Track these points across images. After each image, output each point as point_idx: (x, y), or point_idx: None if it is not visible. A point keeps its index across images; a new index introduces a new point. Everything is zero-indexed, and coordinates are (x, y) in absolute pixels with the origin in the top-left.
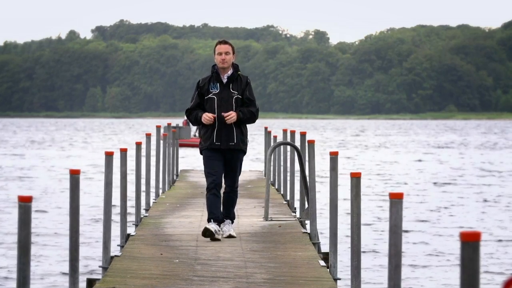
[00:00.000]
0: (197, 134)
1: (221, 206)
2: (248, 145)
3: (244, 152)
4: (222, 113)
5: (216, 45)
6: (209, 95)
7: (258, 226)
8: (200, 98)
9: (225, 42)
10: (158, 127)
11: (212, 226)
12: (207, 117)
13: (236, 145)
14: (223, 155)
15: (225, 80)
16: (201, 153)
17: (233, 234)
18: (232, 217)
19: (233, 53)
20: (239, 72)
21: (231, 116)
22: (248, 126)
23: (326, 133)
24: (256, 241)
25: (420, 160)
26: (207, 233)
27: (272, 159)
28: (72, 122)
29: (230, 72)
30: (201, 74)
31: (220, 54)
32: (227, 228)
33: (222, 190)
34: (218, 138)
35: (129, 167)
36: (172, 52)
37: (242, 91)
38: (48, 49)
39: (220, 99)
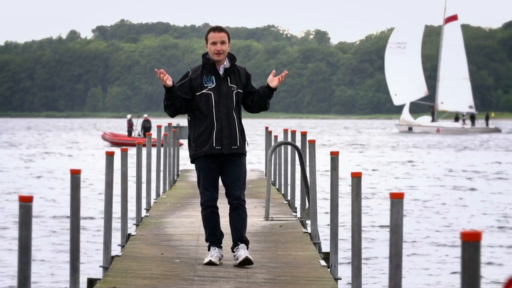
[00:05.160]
0: (141, 134)
1: (230, 227)
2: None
3: (245, 155)
4: (280, 76)
5: (209, 32)
6: (204, 91)
7: (259, 226)
8: (188, 90)
9: (220, 30)
10: (158, 127)
11: (215, 256)
12: (160, 73)
13: (239, 148)
14: (221, 162)
15: (221, 72)
16: (192, 161)
17: (251, 257)
18: (246, 241)
19: (229, 41)
20: (236, 63)
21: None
22: (247, 125)
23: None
24: (257, 241)
25: (420, 160)
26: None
27: (273, 159)
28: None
29: (226, 63)
30: None
31: (215, 43)
32: (243, 252)
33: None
34: (219, 141)
35: (130, 167)
36: (172, 52)
37: (243, 85)
38: (49, 49)
39: (218, 94)
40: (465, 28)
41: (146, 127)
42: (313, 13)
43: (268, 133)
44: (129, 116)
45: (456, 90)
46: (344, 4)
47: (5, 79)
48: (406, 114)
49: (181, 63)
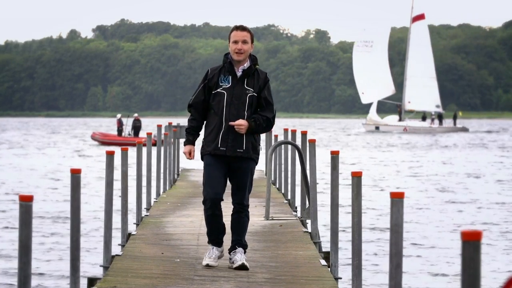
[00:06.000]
0: (131, 133)
1: (230, 229)
2: (260, 153)
3: (256, 162)
4: (230, 122)
5: (232, 31)
6: (218, 90)
7: (259, 226)
8: (206, 92)
9: (242, 28)
10: (159, 126)
11: (213, 257)
12: (187, 154)
13: (245, 152)
14: (228, 164)
15: (239, 74)
16: (202, 158)
17: (246, 264)
18: (244, 245)
19: (252, 42)
20: (257, 66)
21: (240, 125)
22: None
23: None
24: (257, 240)
25: (419, 160)
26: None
27: (273, 158)
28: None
29: (246, 64)
30: (202, 74)
31: (236, 42)
32: (239, 257)
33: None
34: (224, 143)
35: (130, 166)
36: (173, 51)
37: (259, 89)
38: (49, 49)
39: (231, 95)
40: (466, 27)
41: (136, 126)
42: (313, 13)
43: (268, 132)
44: (119, 115)
45: (423, 90)
46: (344, 4)
47: (5, 78)
48: (373, 114)
49: (181, 62)
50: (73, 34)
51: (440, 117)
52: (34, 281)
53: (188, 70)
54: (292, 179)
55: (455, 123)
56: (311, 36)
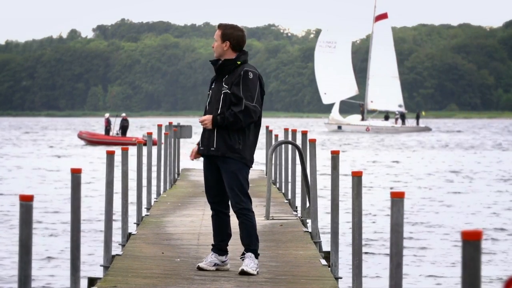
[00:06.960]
0: (119, 133)
1: (226, 229)
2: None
3: (239, 161)
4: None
5: None
6: (209, 91)
7: (260, 225)
8: None
9: (217, 27)
10: (159, 126)
11: (209, 262)
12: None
13: (216, 151)
14: (215, 164)
15: (218, 72)
16: None
17: (247, 270)
18: (253, 249)
19: (226, 39)
20: (239, 62)
21: (204, 121)
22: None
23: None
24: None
25: (420, 159)
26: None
27: (273, 158)
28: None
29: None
30: (202, 73)
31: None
32: (248, 262)
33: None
34: (202, 142)
35: (130, 166)
36: (173, 51)
37: (231, 85)
38: (50, 48)
39: (212, 95)
40: (466, 27)
41: (124, 126)
42: (313, 13)
43: (269, 132)
44: (107, 115)
45: (386, 89)
46: (345, 3)
47: (5, 78)
48: (335, 113)
49: (181, 62)
50: (74, 33)
51: (402, 116)
52: (34, 281)
53: (188, 70)
54: (293, 178)
55: (418, 123)
56: (312, 35)
